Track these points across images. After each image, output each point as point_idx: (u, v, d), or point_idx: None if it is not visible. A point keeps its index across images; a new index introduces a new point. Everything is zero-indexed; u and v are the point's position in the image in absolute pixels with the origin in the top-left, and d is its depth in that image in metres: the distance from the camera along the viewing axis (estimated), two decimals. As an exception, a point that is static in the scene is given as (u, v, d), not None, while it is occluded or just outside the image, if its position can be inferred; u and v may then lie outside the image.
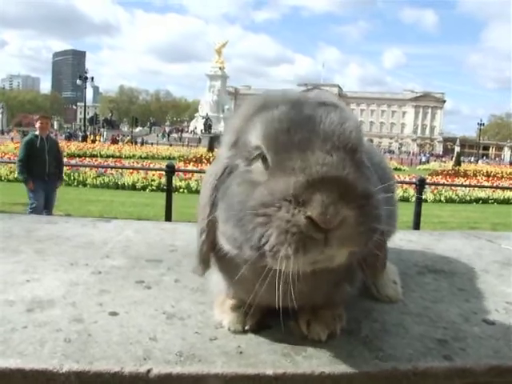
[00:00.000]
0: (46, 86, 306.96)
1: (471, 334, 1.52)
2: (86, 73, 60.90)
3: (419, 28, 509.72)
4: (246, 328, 1.43)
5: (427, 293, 1.90)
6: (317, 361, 1.28)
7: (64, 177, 11.15)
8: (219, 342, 1.35)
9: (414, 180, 12.66)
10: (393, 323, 1.57)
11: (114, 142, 55.10)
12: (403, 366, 1.29)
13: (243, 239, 1.12)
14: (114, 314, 1.50)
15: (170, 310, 1.56)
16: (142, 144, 58.24)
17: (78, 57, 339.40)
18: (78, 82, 61.32)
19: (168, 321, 1.48)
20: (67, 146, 34.56)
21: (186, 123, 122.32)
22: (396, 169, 35.77)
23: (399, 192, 17.93)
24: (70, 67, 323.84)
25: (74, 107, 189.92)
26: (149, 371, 1.18)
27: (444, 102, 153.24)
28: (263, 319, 1.48)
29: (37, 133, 9.11)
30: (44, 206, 9.06)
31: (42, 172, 8.90)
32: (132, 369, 1.19)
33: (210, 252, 1.35)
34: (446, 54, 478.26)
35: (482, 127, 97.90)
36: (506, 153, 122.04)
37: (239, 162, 1.23)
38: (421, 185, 10.49)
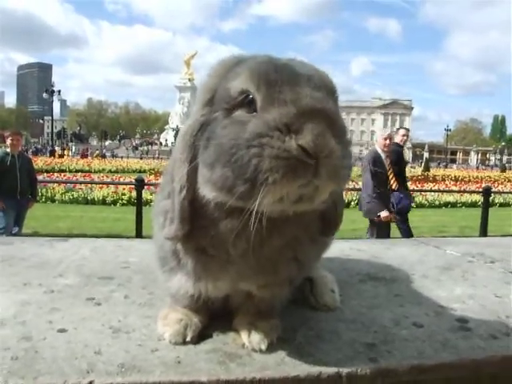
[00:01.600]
0: (10, 100, 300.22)
1: (399, 337, 1.64)
2: (52, 86, 60.08)
3: (384, 37, 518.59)
4: (187, 340, 1.51)
5: (365, 300, 2.01)
6: (249, 367, 1.38)
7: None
8: (160, 353, 1.44)
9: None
10: (327, 330, 1.68)
11: (84, 156, 54.27)
12: (330, 370, 1.39)
13: (236, 175, 1.12)
14: (62, 330, 1.57)
15: (117, 324, 1.64)
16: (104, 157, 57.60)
17: (44, 70, 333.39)
18: (45, 95, 60.38)
19: (114, 335, 1.55)
20: (34, 162, 33.98)
21: (156, 135, 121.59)
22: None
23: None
24: (36, 80, 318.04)
25: (41, 121, 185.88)
26: (91, 382, 1.26)
27: (412, 108, 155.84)
28: (204, 330, 1.58)
29: (8, 150, 8.92)
30: (15, 223, 8.93)
31: (13, 190, 8.68)
32: (75, 381, 1.26)
33: (190, 209, 1.32)
34: (411, 61, 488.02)
35: (448, 133, 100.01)
36: (473, 157, 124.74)
37: (217, 115, 1.26)
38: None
